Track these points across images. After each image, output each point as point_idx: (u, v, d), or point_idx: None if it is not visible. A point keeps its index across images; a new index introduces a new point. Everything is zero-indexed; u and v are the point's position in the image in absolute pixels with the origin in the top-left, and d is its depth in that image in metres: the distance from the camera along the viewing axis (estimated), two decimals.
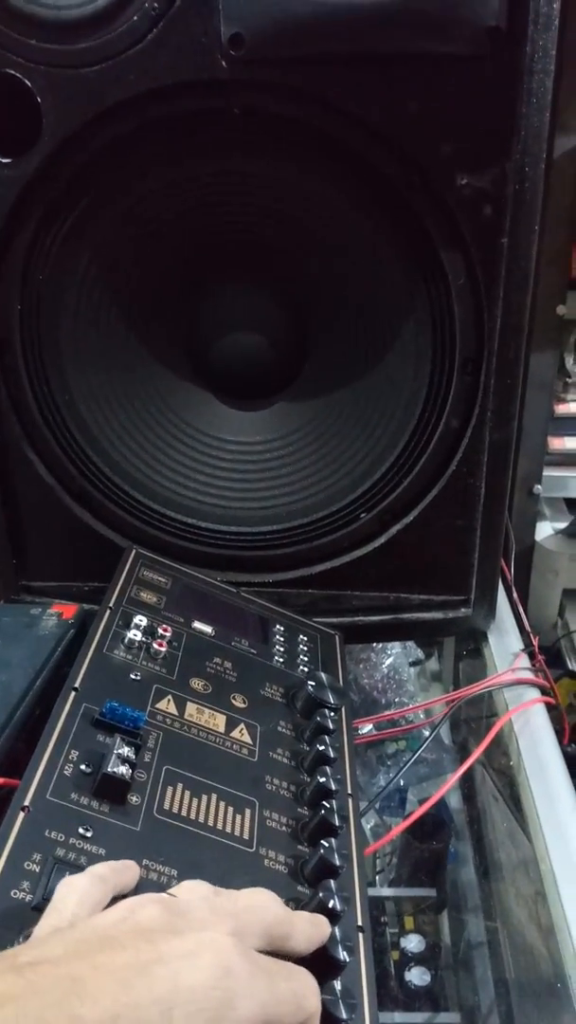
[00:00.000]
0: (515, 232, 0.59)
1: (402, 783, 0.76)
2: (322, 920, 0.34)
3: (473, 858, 0.70)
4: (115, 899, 0.31)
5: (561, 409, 0.95)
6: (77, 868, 0.35)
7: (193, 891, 0.31)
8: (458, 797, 0.75)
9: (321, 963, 0.36)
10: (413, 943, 0.59)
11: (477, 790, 0.73)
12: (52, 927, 0.28)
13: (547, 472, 0.96)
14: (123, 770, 0.41)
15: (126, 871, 0.34)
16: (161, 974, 0.23)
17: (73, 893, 0.30)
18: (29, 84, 0.55)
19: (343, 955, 0.36)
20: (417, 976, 0.56)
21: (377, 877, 0.70)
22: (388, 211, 0.60)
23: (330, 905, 0.38)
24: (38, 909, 0.33)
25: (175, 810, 0.42)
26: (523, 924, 0.61)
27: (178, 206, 0.62)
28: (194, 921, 0.27)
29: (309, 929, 0.32)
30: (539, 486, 0.96)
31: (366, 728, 0.74)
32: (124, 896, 0.31)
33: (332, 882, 0.40)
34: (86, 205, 0.61)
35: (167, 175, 0.60)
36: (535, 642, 0.76)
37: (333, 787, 0.46)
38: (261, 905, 0.30)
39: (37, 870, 0.35)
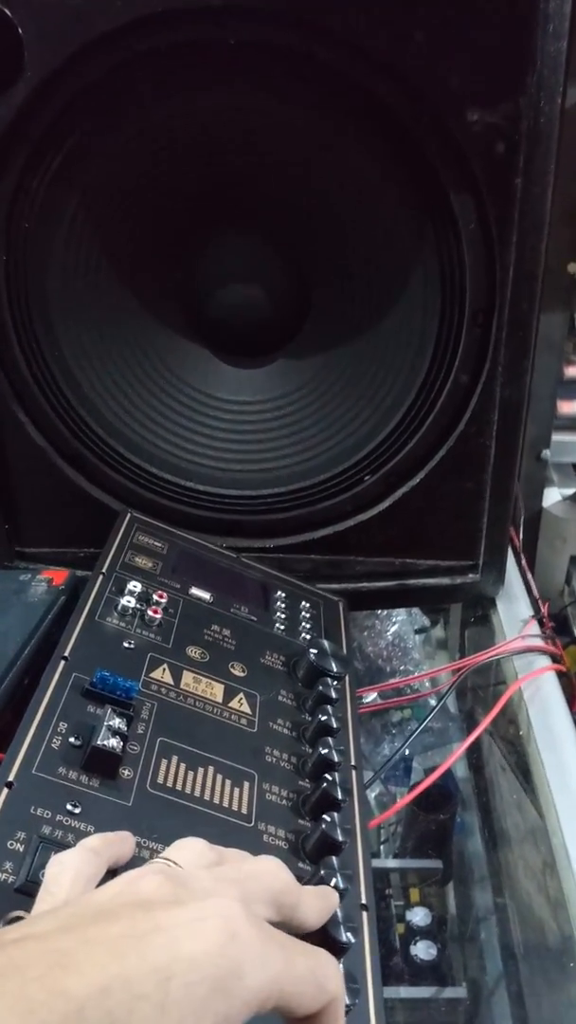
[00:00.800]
0: (529, 171, 0.55)
1: (407, 752, 0.74)
2: (329, 891, 0.32)
3: (480, 828, 0.69)
4: (112, 873, 0.29)
5: (571, 372, 0.92)
6: (64, 846, 0.33)
7: (191, 850, 0.29)
8: (464, 766, 0.73)
9: (322, 945, 0.35)
10: (419, 916, 0.57)
11: (484, 759, 0.71)
12: (49, 908, 0.27)
13: (555, 437, 0.93)
14: (114, 743, 0.39)
15: (121, 842, 0.32)
16: (158, 943, 0.21)
17: (65, 872, 0.28)
18: (9, 14, 0.51)
19: (346, 936, 0.34)
20: (423, 950, 0.55)
21: (381, 847, 0.69)
22: (394, 151, 0.56)
23: (332, 883, 0.36)
24: (23, 891, 0.32)
25: (170, 784, 0.40)
26: (531, 896, 0.60)
27: (170, 147, 0.59)
28: (197, 890, 0.25)
29: (317, 900, 0.31)
30: (547, 451, 0.94)
31: (371, 697, 0.72)
32: (121, 870, 0.30)
33: (334, 859, 0.38)
34: (73, 146, 0.57)
35: (158, 113, 0.57)
36: (544, 609, 0.74)
37: (336, 759, 0.44)
38: (268, 871, 0.28)
39: (21, 849, 0.33)
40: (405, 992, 0.53)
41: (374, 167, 0.57)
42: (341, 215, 0.60)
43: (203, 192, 0.61)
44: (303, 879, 0.38)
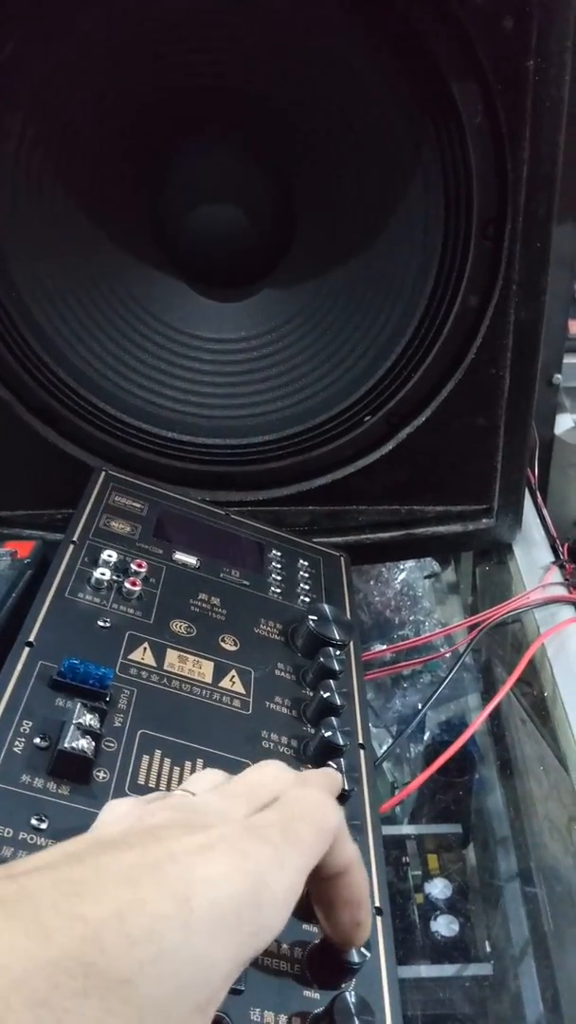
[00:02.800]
0: (543, 50, 0.47)
1: (419, 705, 0.70)
2: (332, 773, 0.32)
3: (501, 786, 0.65)
4: None
5: None
6: None
7: (207, 780, 0.29)
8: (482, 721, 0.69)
9: (334, 966, 0.30)
10: (438, 888, 0.54)
11: (503, 713, 0.67)
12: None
13: (567, 359, 0.87)
14: (83, 744, 0.34)
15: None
16: (172, 870, 0.21)
17: (111, 815, 0.28)
18: None
19: (356, 956, 0.30)
20: (444, 926, 0.51)
21: (397, 810, 0.65)
22: (386, 35, 0.48)
23: None
24: None
25: (152, 784, 0.35)
26: (558, 859, 0.56)
27: (131, 43, 0.50)
28: (206, 814, 0.25)
29: (322, 780, 0.30)
30: (559, 375, 0.88)
31: (380, 657, 0.67)
32: None
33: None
34: (16, 44, 0.49)
35: (104, 9, 0.48)
36: (564, 552, 0.68)
37: (341, 742, 0.39)
38: (272, 777, 0.28)
39: None
40: (426, 971, 0.50)
41: (361, 54, 0.49)
42: (326, 114, 0.52)
43: (166, 97, 0.53)
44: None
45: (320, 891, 0.27)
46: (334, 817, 0.26)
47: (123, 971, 0.19)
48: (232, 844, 0.22)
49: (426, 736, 0.70)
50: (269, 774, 0.28)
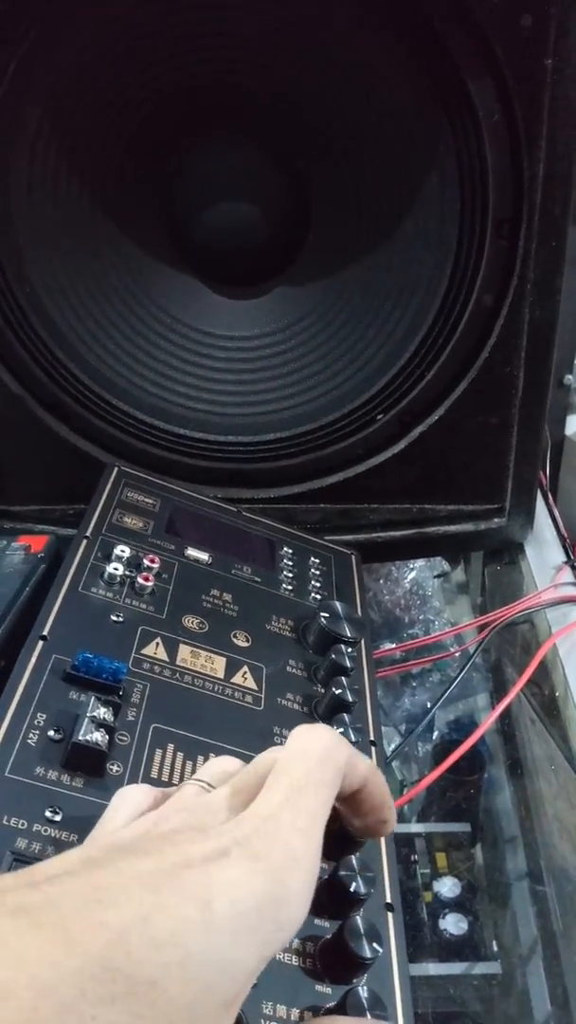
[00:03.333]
0: (562, 49, 0.47)
1: (429, 704, 0.70)
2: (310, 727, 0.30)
3: (509, 786, 0.65)
4: None
5: None
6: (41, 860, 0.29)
7: (221, 768, 0.28)
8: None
9: (346, 961, 0.31)
10: (447, 887, 0.54)
11: (513, 712, 0.67)
12: (105, 834, 0.27)
13: None
14: (97, 736, 0.34)
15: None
16: (190, 875, 0.21)
17: (124, 803, 0.28)
18: None
19: (368, 951, 0.30)
20: (453, 924, 0.51)
21: (405, 808, 0.65)
22: (402, 33, 0.48)
23: (352, 888, 0.32)
24: None
25: (165, 778, 0.35)
26: (566, 858, 0.56)
27: (145, 41, 0.51)
28: (218, 815, 0.25)
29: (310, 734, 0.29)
30: (570, 376, 0.87)
31: (390, 655, 0.67)
32: None
33: (353, 858, 0.33)
34: (32, 42, 0.49)
35: (121, 4, 0.48)
36: (575, 552, 0.68)
37: (353, 738, 0.39)
38: (272, 758, 0.27)
39: None
40: (434, 969, 0.50)
41: (378, 51, 0.49)
42: (341, 112, 0.52)
43: (182, 93, 0.53)
44: (319, 880, 0.34)
45: (344, 806, 0.28)
46: (334, 756, 0.26)
47: (149, 975, 0.19)
48: (246, 848, 0.22)
49: (435, 735, 0.70)
50: (270, 756, 0.27)
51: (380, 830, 0.29)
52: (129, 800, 0.28)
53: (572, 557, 0.65)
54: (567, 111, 0.48)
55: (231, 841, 0.22)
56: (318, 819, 0.24)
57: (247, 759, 0.38)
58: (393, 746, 0.65)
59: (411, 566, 0.84)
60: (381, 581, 0.84)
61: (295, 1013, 0.29)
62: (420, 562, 0.84)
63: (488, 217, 0.51)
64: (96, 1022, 0.18)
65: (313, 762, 0.25)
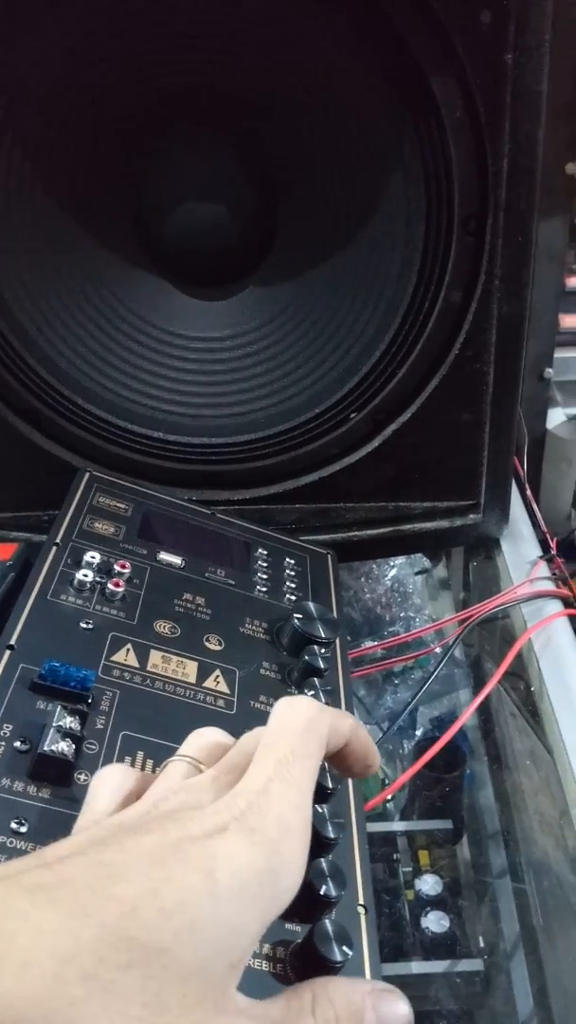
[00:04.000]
0: (522, 44, 0.47)
1: (410, 701, 0.70)
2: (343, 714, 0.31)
3: (491, 781, 0.65)
4: None
5: (573, 282, 0.85)
6: None
7: (208, 743, 0.30)
8: (472, 716, 0.69)
9: (317, 965, 0.30)
10: (428, 885, 0.54)
11: (493, 707, 0.67)
12: (88, 822, 0.28)
13: (558, 353, 0.87)
14: (63, 746, 0.33)
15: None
16: (192, 849, 0.23)
17: (105, 785, 0.29)
18: None
19: (337, 955, 0.30)
20: (434, 922, 0.51)
21: (388, 806, 0.65)
22: (364, 31, 0.48)
23: (321, 891, 0.32)
24: None
25: None
26: (548, 853, 0.56)
27: (108, 43, 0.50)
28: (212, 793, 0.26)
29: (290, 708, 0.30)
30: (550, 369, 0.88)
31: (371, 653, 0.67)
32: None
33: (323, 861, 0.33)
34: None
35: (83, 5, 0.48)
36: (554, 545, 0.68)
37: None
38: (255, 735, 0.28)
39: None
40: (416, 967, 0.50)
41: (339, 49, 0.49)
42: (306, 111, 0.52)
43: (147, 95, 0.53)
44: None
45: (331, 762, 0.30)
46: (315, 727, 0.27)
47: (161, 941, 0.20)
48: (242, 822, 0.24)
49: (418, 732, 0.70)
50: (255, 734, 0.28)
51: (366, 773, 0.32)
52: (109, 782, 0.29)
53: (549, 551, 0.65)
54: (529, 106, 0.48)
55: (228, 817, 0.24)
56: (306, 790, 0.26)
57: None
58: (376, 741, 0.65)
59: (392, 564, 0.84)
60: (362, 579, 0.84)
61: None
62: (401, 559, 0.84)
63: (454, 214, 0.51)
64: (114, 986, 0.19)
65: (296, 736, 0.27)
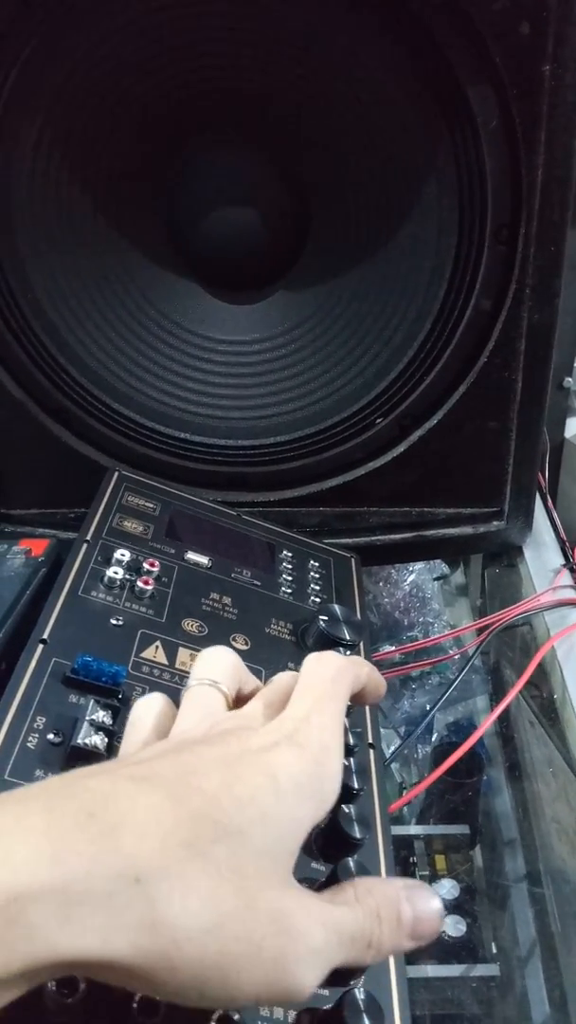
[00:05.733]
0: (560, 56, 0.47)
1: (428, 707, 0.70)
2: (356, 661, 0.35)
3: (508, 788, 0.65)
4: None
5: None
6: None
7: (221, 663, 0.34)
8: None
9: (342, 967, 0.31)
10: (445, 889, 0.54)
11: (512, 714, 0.67)
12: (137, 742, 0.31)
13: None
14: (96, 740, 0.34)
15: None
16: (251, 759, 0.27)
17: (150, 712, 0.32)
18: None
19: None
20: (451, 926, 0.51)
21: (405, 810, 0.65)
22: (401, 39, 0.48)
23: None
24: None
25: None
26: (565, 860, 0.56)
27: (145, 48, 0.51)
28: (262, 719, 0.30)
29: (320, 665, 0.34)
30: (569, 378, 0.87)
31: (389, 658, 0.68)
32: None
33: (350, 860, 0.33)
34: (34, 49, 0.49)
35: (129, 8, 0.49)
36: (574, 555, 0.68)
37: (351, 741, 0.39)
38: (291, 676, 0.32)
39: None
40: (432, 971, 0.50)
41: (377, 58, 0.49)
42: (340, 118, 0.52)
43: (182, 100, 0.53)
44: (316, 883, 0.34)
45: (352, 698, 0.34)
46: (344, 676, 0.32)
47: (240, 826, 0.25)
48: (291, 740, 0.28)
49: (434, 737, 0.70)
50: (287, 676, 0.33)
51: (376, 701, 0.37)
52: (154, 707, 0.32)
53: (571, 560, 0.65)
54: (565, 117, 0.48)
55: (279, 736, 0.28)
56: (339, 722, 0.30)
57: None
58: (392, 748, 0.66)
59: (410, 569, 0.84)
60: (381, 584, 0.84)
61: (292, 1015, 0.30)
62: (419, 565, 0.84)
63: (487, 223, 0.52)
64: (208, 855, 0.24)
65: (328, 682, 0.31)
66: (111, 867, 0.22)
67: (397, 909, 0.28)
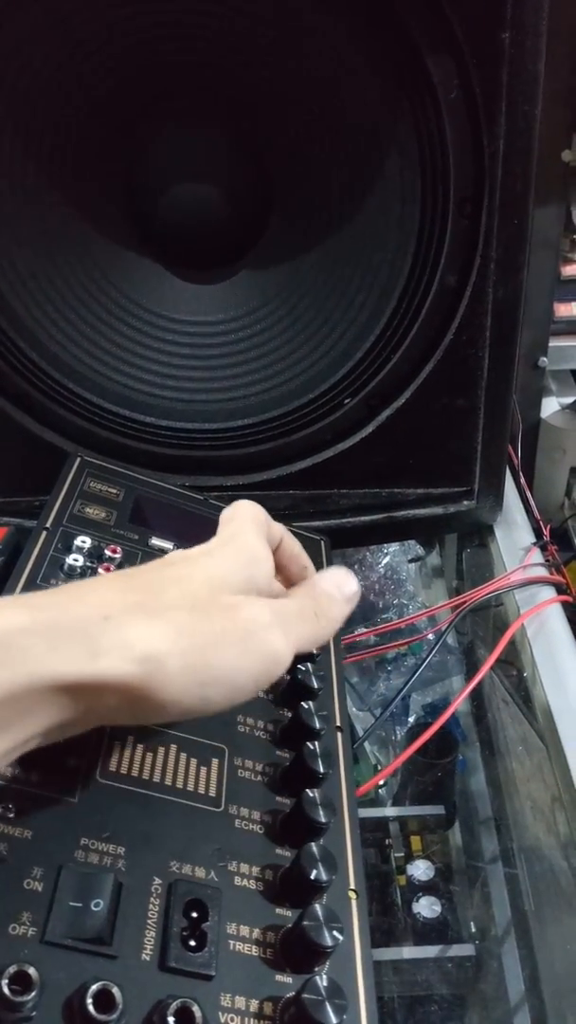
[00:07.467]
0: (519, 21, 0.46)
1: (403, 688, 0.70)
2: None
3: (484, 767, 0.65)
4: None
5: (568, 271, 0.84)
6: None
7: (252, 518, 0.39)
8: (465, 701, 0.69)
9: (307, 949, 0.30)
10: (420, 870, 0.54)
11: (485, 693, 0.67)
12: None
13: (553, 342, 0.86)
14: None
15: None
16: (201, 559, 0.34)
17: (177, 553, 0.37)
18: None
19: (328, 939, 0.30)
20: (426, 907, 0.51)
21: (380, 792, 0.65)
22: (359, 7, 0.47)
23: (312, 876, 0.32)
24: None
25: (124, 771, 0.35)
26: (539, 839, 0.56)
27: (101, 21, 0.49)
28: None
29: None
30: (544, 358, 0.87)
31: (364, 640, 0.67)
32: None
33: (313, 845, 0.33)
34: None
35: None
36: (547, 532, 0.68)
37: (317, 725, 0.39)
38: (230, 517, 0.38)
39: None
40: (408, 952, 0.50)
41: (335, 28, 0.48)
42: (300, 91, 0.51)
43: (138, 74, 0.52)
44: (281, 868, 0.34)
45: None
46: (255, 510, 0.39)
47: (180, 575, 0.33)
48: (222, 544, 0.36)
49: (411, 719, 0.70)
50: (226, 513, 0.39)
51: (304, 575, 0.41)
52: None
53: (543, 538, 0.65)
54: (526, 85, 0.47)
55: (213, 546, 0.36)
56: (260, 536, 0.37)
57: (209, 749, 0.38)
58: (366, 727, 0.65)
59: (385, 551, 0.84)
60: (355, 566, 0.83)
61: (254, 1004, 0.29)
62: (394, 547, 0.84)
63: (450, 196, 0.51)
64: (159, 596, 0.31)
65: (247, 509, 0.39)
66: (81, 612, 0.28)
67: (324, 586, 0.36)
